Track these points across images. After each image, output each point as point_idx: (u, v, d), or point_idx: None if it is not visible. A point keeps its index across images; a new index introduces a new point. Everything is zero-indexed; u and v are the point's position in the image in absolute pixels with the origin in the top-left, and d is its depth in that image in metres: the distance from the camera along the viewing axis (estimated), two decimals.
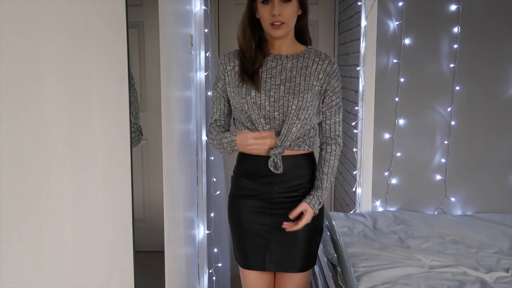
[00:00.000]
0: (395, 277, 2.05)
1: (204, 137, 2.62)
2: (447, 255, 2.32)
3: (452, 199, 3.02)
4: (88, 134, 0.96)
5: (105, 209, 1.06)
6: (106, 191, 1.06)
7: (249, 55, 1.74)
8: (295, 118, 1.71)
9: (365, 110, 2.96)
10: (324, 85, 1.76)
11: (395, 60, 2.93)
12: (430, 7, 2.89)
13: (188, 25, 2.36)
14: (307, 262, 1.86)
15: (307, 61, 1.76)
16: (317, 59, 1.77)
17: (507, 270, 2.16)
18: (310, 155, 1.85)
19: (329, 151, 1.83)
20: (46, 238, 0.78)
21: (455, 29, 2.88)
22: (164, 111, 1.77)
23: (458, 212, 3.03)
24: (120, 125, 1.15)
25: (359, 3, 2.96)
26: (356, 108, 3.04)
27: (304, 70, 1.75)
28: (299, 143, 1.78)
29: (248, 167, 1.81)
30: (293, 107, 1.71)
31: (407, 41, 2.90)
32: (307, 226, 1.78)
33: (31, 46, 0.73)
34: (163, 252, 1.79)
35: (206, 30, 2.64)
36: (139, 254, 1.30)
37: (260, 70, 1.75)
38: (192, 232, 2.47)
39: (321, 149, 1.87)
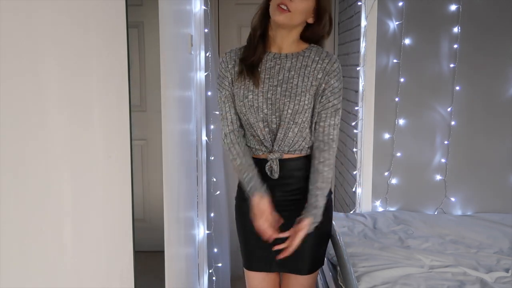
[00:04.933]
0: (395, 277, 2.05)
1: (204, 137, 2.62)
2: (447, 255, 2.31)
3: (452, 199, 3.01)
4: (88, 134, 0.96)
5: (105, 209, 1.05)
6: (106, 191, 1.06)
7: (253, 44, 1.71)
8: (291, 123, 1.67)
9: (365, 110, 2.96)
10: (323, 85, 1.69)
11: (395, 60, 2.93)
12: (430, 7, 2.89)
13: (188, 25, 2.36)
14: (313, 264, 1.84)
15: (306, 60, 1.71)
16: (317, 58, 1.71)
17: (507, 270, 2.16)
18: (310, 157, 1.78)
19: (322, 160, 1.70)
20: (46, 238, 0.78)
21: (455, 29, 2.88)
22: (164, 111, 1.77)
23: (458, 212, 3.03)
24: (120, 125, 1.15)
25: (359, 3, 2.96)
26: (356, 108, 3.04)
27: (303, 70, 1.69)
28: (300, 147, 1.75)
29: None
30: (289, 111, 1.66)
31: (407, 41, 2.90)
32: (315, 230, 1.72)
33: (31, 46, 0.73)
34: (163, 252, 1.79)
35: (206, 30, 2.64)
36: (139, 254, 1.30)
37: (259, 69, 1.71)
38: (192, 232, 2.47)
39: (313, 157, 1.73)
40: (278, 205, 1.75)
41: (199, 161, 2.55)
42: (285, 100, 1.66)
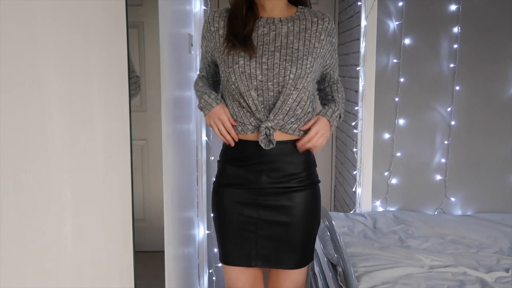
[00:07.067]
0: (395, 277, 2.05)
1: (204, 137, 2.62)
2: (447, 255, 2.32)
3: (452, 199, 3.02)
4: (88, 134, 0.96)
5: (105, 209, 1.06)
6: (106, 191, 1.06)
7: (240, 15, 1.57)
8: (292, 89, 1.54)
9: (365, 110, 2.96)
10: (327, 45, 1.64)
11: (395, 60, 2.93)
12: (430, 7, 2.89)
13: (188, 25, 2.36)
14: (305, 256, 1.71)
15: (304, 23, 1.60)
16: (315, 19, 1.62)
17: (507, 270, 2.16)
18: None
19: (336, 93, 1.73)
20: (46, 238, 0.78)
21: (455, 29, 2.88)
22: (164, 111, 1.77)
23: (458, 212, 3.03)
24: (120, 125, 1.15)
25: (359, 3, 2.96)
26: (356, 108, 3.04)
27: (303, 34, 1.59)
28: (294, 121, 1.60)
29: (235, 152, 1.65)
30: (291, 76, 1.53)
31: (407, 41, 2.90)
32: (302, 218, 1.65)
33: (31, 46, 0.73)
34: (163, 252, 1.79)
35: None
36: (139, 254, 1.30)
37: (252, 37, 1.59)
38: (192, 232, 2.47)
39: (326, 95, 1.76)
40: (262, 194, 1.64)
41: (199, 161, 2.55)
42: (286, 65, 1.54)
